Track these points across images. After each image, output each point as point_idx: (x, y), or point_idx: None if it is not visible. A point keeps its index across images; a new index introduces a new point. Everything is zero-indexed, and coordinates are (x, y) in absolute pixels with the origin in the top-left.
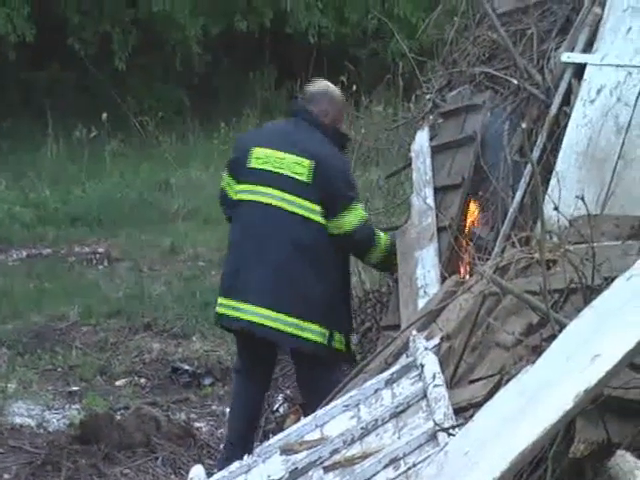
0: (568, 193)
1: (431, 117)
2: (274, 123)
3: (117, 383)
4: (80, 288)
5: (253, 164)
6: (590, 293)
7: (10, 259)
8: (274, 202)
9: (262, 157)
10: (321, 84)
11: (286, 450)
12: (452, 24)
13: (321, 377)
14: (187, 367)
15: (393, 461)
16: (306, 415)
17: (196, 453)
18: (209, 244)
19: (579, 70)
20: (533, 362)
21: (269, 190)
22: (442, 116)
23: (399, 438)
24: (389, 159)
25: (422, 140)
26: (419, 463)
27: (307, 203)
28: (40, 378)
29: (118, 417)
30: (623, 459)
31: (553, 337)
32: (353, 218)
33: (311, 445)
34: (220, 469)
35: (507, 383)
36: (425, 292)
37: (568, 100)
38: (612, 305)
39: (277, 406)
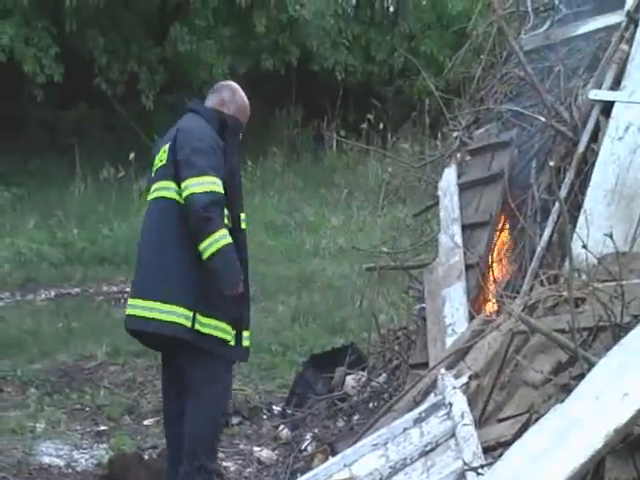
0: (596, 231)
1: (458, 155)
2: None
3: (145, 422)
4: (108, 327)
5: (152, 169)
6: (619, 331)
7: (38, 298)
8: (153, 195)
9: (155, 159)
10: (224, 82)
11: None
12: (479, 62)
13: (197, 366)
14: None
15: None
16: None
17: None
18: None
19: (607, 107)
20: (562, 401)
21: (155, 185)
22: (469, 153)
23: (428, 477)
24: (416, 197)
25: (449, 178)
26: None
27: (166, 182)
28: (68, 418)
29: (146, 456)
30: None
31: (582, 376)
32: (194, 186)
33: None
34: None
35: (536, 422)
36: (453, 330)
37: (596, 137)
38: None
39: (305, 445)
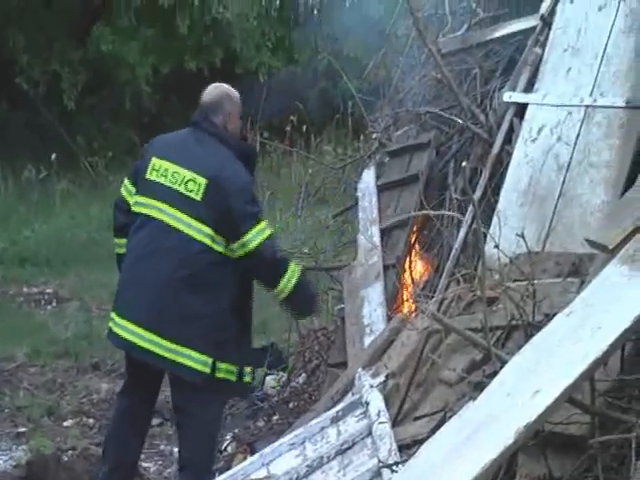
0: (510, 231)
1: (377, 156)
2: (179, 133)
3: (65, 424)
4: (28, 329)
5: (150, 176)
6: (531, 330)
7: None
8: (165, 218)
9: (159, 170)
10: (218, 89)
11: None
12: (397, 64)
13: (199, 405)
14: None
15: None
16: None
17: None
18: None
19: (521, 109)
20: (475, 398)
21: (161, 205)
22: (388, 155)
23: (344, 475)
24: (337, 198)
25: (368, 179)
26: None
27: (198, 223)
28: None
29: (65, 458)
30: None
31: (495, 374)
32: (257, 236)
33: None
34: None
35: (450, 419)
36: (371, 330)
37: (510, 139)
38: (552, 341)
39: (225, 445)
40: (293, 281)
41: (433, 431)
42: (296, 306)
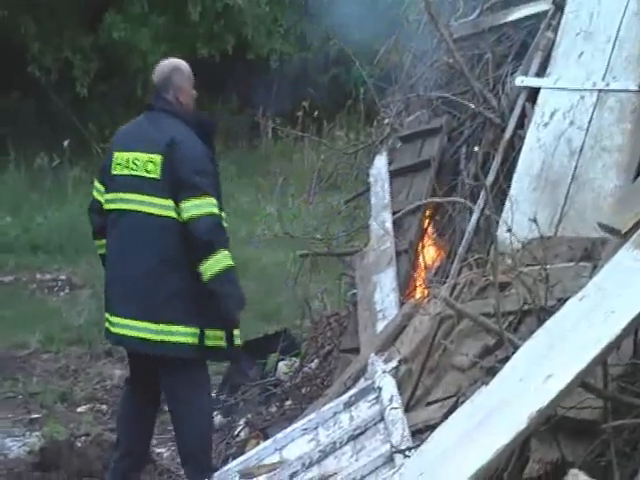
0: (522, 216)
1: (389, 142)
2: (135, 120)
3: (78, 410)
4: (41, 315)
5: (115, 171)
6: (543, 314)
7: None
8: (133, 207)
9: (122, 162)
10: (166, 65)
11: (245, 474)
12: (410, 49)
13: (190, 387)
14: None
15: None
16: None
17: (157, 479)
18: None
19: (533, 94)
20: (488, 383)
21: (129, 195)
22: (400, 140)
23: (357, 460)
24: (349, 184)
25: (380, 165)
26: None
27: (163, 200)
28: (0, 406)
29: (79, 444)
30: (576, 478)
31: (508, 359)
32: (193, 208)
33: (270, 469)
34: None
35: (463, 405)
36: (384, 315)
37: (523, 124)
38: (565, 326)
39: (238, 431)
40: (217, 268)
41: (445, 416)
42: (220, 296)
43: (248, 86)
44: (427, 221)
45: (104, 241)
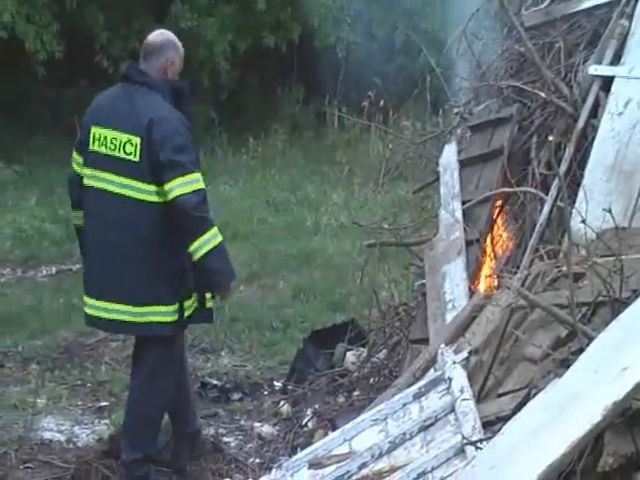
0: (596, 206)
1: (459, 131)
2: (110, 91)
3: None
4: None
5: (93, 146)
6: (618, 306)
7: (39, 275)
8: (110, 187)
9: (99, 139)
10: (164, 35)
11: (314, 464)
12: (480, 38)
13: (160, 358)
14: (215, 382)
15: (421, 475)
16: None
17: (224, 468)
18: (238, 259)
19: (607, 83)
20: (561, 375)
21: (106, 175)
22: (470, 130)
23: (427, 452)
24: (417, 174)
25: (450, 154)
26: (447, 477)
27: (140, 184)
28: (69, 393)
29: None
30: None
31: (581, 350)
32: (179, 187)
33: (339, 459)
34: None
35: (535, 397)
36: (453, 306)
37: (596, 113)
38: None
39: (306, 420)
40: (209, 247)
41: (517, 408)
42: (210, 274)
43: (314, 75)
44: (497, 211)
45: (81, 212)
